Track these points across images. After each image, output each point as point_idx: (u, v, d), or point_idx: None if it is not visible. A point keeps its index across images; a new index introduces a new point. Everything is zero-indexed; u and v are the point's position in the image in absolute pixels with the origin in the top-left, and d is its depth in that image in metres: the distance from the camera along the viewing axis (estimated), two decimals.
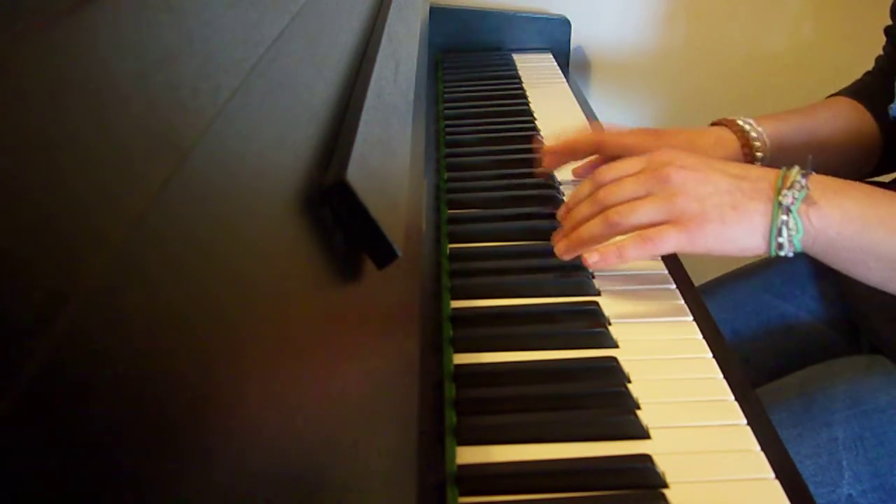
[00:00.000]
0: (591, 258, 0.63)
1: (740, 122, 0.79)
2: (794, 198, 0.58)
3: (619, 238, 0.64)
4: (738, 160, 0.79)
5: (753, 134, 0.78)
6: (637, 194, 0.63)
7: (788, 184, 0.59)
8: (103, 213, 0.19)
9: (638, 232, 0.62)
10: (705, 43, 1.45)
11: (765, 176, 0.61)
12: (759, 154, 0.78)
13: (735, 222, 0.59)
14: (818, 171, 0.64)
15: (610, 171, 0.67)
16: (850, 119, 0.85)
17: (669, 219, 0.61)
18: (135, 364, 0.18)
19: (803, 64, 1.41)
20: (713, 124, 0.82)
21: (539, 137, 0.94)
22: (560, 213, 0.71)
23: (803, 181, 0.59)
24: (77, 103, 0.19)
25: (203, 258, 0.23)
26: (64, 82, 0.19)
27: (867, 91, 0.87)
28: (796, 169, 0.60)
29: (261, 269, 0.28)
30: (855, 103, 0.86)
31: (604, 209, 0.64)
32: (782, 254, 0.59)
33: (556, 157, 0.84)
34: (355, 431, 0.32)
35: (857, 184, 0.62)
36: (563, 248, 0.66)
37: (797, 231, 0.58)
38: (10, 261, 0.15)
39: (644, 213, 0.62)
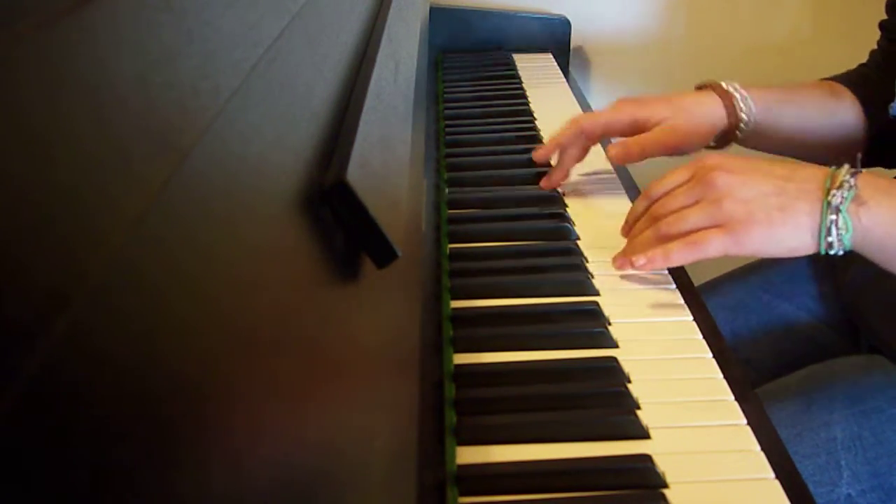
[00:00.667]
0: (639, 261, 0.64)
1: (725, 86, 0.80)
2: (843, 197, 0.59)
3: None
4: (721, 120, 0.79)
5: (738, 95, 0.79)
6: (686, 203, 0.64)
7: (837, 183, 0.59)
8: (103, 213, 0.19)
9: (685, 237, 0.63)
10: (705, 43, 1.45)
11: (812, 176, 0.61)
12: (743, 115, 0.79)
13: (781, 224, 0.60)
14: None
15: (660, 184, 0.68)
16: (839, 104, 0.85)
17: (716, 223, 0.62)
18: (134, 364, 0.18)
19: (802, 63, 1.41)
20: (698, 88, 0.83)
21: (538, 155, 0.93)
22: (622, 230, 0.72)
23: (852, 181, 0.59)
24: (76, 103, 0.19)
25: (203, 258, 0.23)
26: (63, 82, 0.19)
27: (861, 81, 0.87)
28: (845, 168, 0.61)
29: (261, 269, 0.28)
30: (846, 89, 0.86)
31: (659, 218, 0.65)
32: (832, 252, 0.60)
33: (558, 179, 0.84)
34: (355, 431, 0.32)
35: None
36: (619, 264, 0.68)
37: (847, 230, 0.59)
38: (10, 261, 0.15)
39: (691, 220, 0.63)
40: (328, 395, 0.30)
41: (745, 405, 0.54)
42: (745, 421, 0.53)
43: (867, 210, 0.59)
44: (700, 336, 0.62)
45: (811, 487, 0.49)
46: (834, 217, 0.59)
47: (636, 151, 0.79)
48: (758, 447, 0.51)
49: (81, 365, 0.16)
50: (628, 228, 0.71)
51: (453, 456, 0.50)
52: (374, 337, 0.39)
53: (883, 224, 0.59)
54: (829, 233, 0.59)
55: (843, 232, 0.59)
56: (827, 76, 0.91)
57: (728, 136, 0.81)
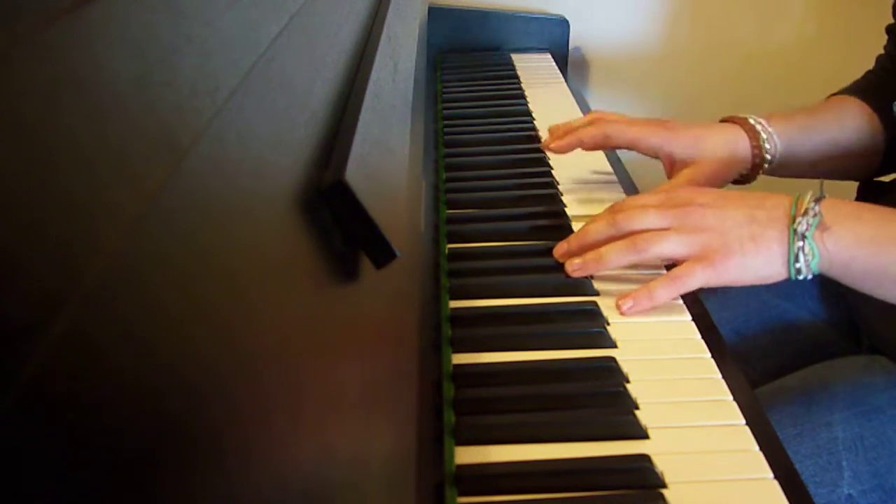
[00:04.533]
0: (625, 305, 0.64)
1: (752, 122, 0.79)
2: (808, 224, 0.60)
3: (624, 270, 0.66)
4: (746, 159, 0.79)
5: (764, 135, 0.78)
6: (659, 226, 0.64)
7: (802, 210, 0.61)
8: (100, 213, 0.19)
9: (665, 273, 0.64)
10: (705, 43, 1.45)
11: (779, 203, 0.63)
12: (767, 155, 0.78)
13: (755, 254, 0.61)
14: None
15: (631, 200, 0.69)
16: (856, 118, 0.85)
17: (692, 253, 0.62)
18: (132, 366, 0.18)
19: (806, 64, 1.41)
20: (723, 121, 0.82)
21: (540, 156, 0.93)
22: (569, 239, 0.70)
23: (816, 207, 0.60)
24: (75, 103, 0.19)
25: (201, 259, 0.23)
26: (61, 82, 0.19)
27: (871, 89, 0.87)
28: (809, 194, 0.62)
29: (259, 270, 0.28)
30: (859, 102, 0.86)
31: (624, 234, 0.65)
32: (800, 278, 0.61)
33: (562, 146, 0.84)
34: (354, 431, 0.32)
35: (869, 206, 0.63)
36: (576, 266, 0.67)
37: (813, 256, 0.60)
38: (7, 262, 0.15)
39: (669, 243, 0.63)
40: (326, 395, 0.30)
41: (743, 405, 0.54)
42: (743, 421, 0.53)
43: (831, 235, 0.60)
44: (699, 336, 0.62)
45: (812, 488, 0.49)
46: (801, 244, 0.60)
47: None
48: (756, 447, 0.51)
49: (79, 367, 0.16)
50: (581, 240, 0.69)
51: (452, 456, 0.50)
52: (373, 337, 0.39)
53: (847, 248, 0.60)
54: (797, 259, 0.60)
55: (810, 258, 0.60)
56: (830, 81, 0.91)
57: (751, 174, 0.81)
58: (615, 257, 0.65)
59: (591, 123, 0.83)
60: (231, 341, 0.24)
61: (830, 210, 0.61)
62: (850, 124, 0.84)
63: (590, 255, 0.67)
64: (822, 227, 0.60)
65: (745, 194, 0.65)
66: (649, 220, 0.65)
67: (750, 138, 0.79)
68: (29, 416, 0.15)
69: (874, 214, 0.62)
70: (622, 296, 0.65)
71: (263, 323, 0.26)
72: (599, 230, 0.67)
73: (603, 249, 0.66)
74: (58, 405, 0.15)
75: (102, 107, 0.20)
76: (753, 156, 0.79)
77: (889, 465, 0.65)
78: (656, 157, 0.80)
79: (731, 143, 0.79)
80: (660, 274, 0.66)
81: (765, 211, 0.62)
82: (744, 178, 0.82)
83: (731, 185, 0.79)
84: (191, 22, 0.27)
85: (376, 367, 0.38)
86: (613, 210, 0.68)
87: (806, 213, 0.60)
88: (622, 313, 0.64)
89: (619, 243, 0.65)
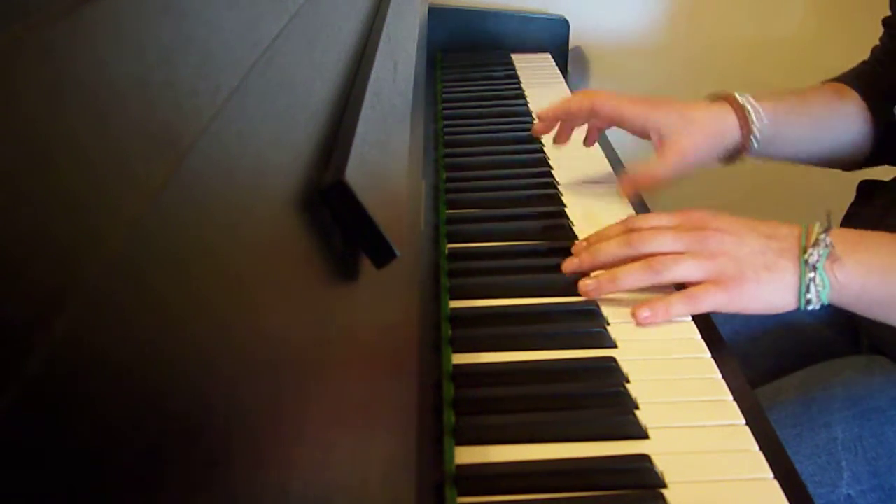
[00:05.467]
0: (642, 314, 0.63)
1: (740, 99, 0.79)
2: (819, 255, 0.60)
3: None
4: (734, 135, 0.79)
5: (751, 109, 0.78)
6: (674, 249, 0.64)
7: (812, 241, 0.61)
8: (101, 213, 0.19)
9: (683, 291, 0.63)
10: (705, 42, 1.45)
11: (790, 234, 0.63)
12: (755, 129, 0.78)
13: (768, 282, 0.61)
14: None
15: (645, 220, 0.68)
16: (846, 105, 0.85)
17: (709, 278, 0.62)
18: (132, 365, 0.18)
19: (805, 60, 1.40)
20: (710, 99, 0.82)
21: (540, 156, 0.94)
22: (577, 246, 0.70)
23: (827, 239, 0.61)
24: (75, 104, 0.19)
25: (202, 258, 0.23)
26: (62, 82, 0.19)
27: (863, 80, 0.87)
28: (818, 225, 0.62)
29: (259, 269, 0.28)
30: (851, 91, 0.86)
31: (639, 255, 0.65)
32: (810, 308, 0.61)
33: (549, 123, 0.84)
34: (354, 431, 0.32)
35: (878, 234, 0.63)
36: (593, 286, 0.66)
37: (824, 287, 0.60)
38: (8, 262, 0.15)
39: (687, 268, 0.63)
40: (326, 394, 0.30)
41: (743, 405, 0.54)
42: (743, 421, 0.53)
43: (841, 266, 0.60)
44: (699, 336, 0.62)
45: (811, 488, 0.49)
46: (812, 275, 0.60)
47: (647, 185, 0.81)
48: (756, 447, 0.51)
49: (80, 366, 0.16)
50: (587, 245, 0.69)
51: (452, 456, 0.50)
52: (373, 337, 0.39)
53: (859, 279, 0.60)
54: (808, 290, 0.60)
55: (820, 289, 0.60)
56: (830, 76, 0.91)
57: (739, 151, 0.81)
58: (632, 280, 0.64)
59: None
60: (231, 340, 0.24)
61: (840, 240, 0.61)
62: (841, 111, 0.84)
63: (604, 277, 0.66)
64: (832, 257, 0.60)
65: (758, 222, 0.65)
66: (666, 242, 0.64)
67: (738, 115, 0.79)
68: (30, 414, 0.15)
69: (883, 242, 0.62)
70: (639, 305, 0.64)
71: (264, 322, 0.26)
72: (613, 250, 0.66)
73: (618, 271, 0.65)
74: (59, 403, 0.15)
75: (103, 107, 0.20)
76: (741, 130, 0.79)
77: (888, 465, 0.65)
78: (645, 134, 0.80)
79: (719, 118, 0.79)
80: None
81: (777, 241, 0.62)
82: (731, 157, 0.82)
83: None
84: (191, 22, 0.27)
85: (376, 367, 0.38)
86: (627, 228, 0.67)
87: (817, 243, 0.61)
88: (638, 323, 0.63)
89: (636, 265, 0.64)
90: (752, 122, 0.78)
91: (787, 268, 0.61)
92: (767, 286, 0.61)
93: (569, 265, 0.69)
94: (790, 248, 0.62)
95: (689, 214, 0.66)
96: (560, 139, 0.87)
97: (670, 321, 0.63)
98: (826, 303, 0.61)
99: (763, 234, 0.63)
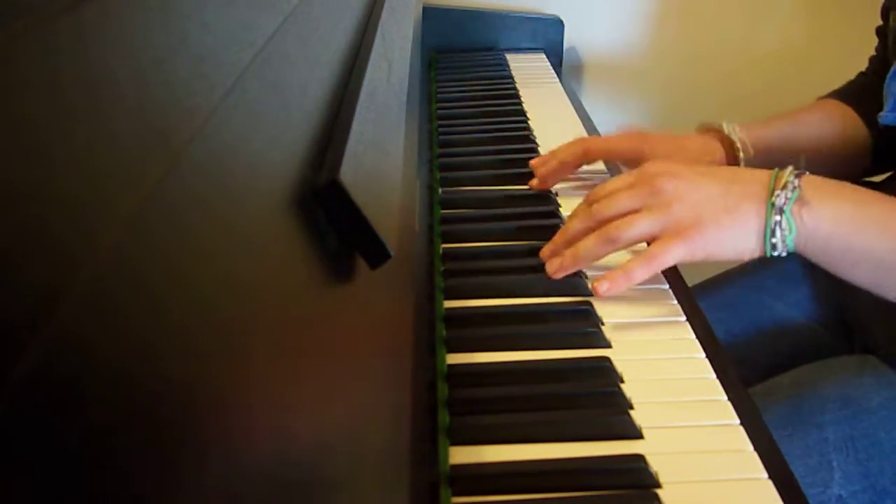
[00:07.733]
0: (602, 287, 0.62)
1: (725, 130, 0.80)
2: (786, 198, 0.59)
3: (613, 257, 0.64)
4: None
5: (737, 143, 0.79)
6: (631, 208, 0.63)
7: (781, 184, 0.59)
8: (96, 211, 0.19)
9: (641, 252, 0.62)
10: (698, 44, 1.45)
11: (755, 178, 0.61)
12: (742, 165, 0.79)
13: (730, 226, 0.60)
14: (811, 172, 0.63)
15: (602, 188, 0.67)
16: (838, 123, 0.85)
17: (666, 229, 0.61)
18: (127, 363, 0.18)
19: (797, 65, 1.41)
20: (699, 131, 0.83)
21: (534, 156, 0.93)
22: (554, 239, 0.70)
23: (796, 181, 0.59)
24: (71, 102, 0.19)
25: (196, 257, 0.23)
26: (58, 81, 0.19)
27: (857, 93, 0.87)
28: (789, 169, 0.61)
29: (254, 269, 0.28)
30: (844, 106, 0.86)
31: (598, 224, 0.64)
32: (776, 254, 0.60)
33: (550, 177, 0.84)
34: (347, 431, 0.32)
35: (851, 185, 0.62)
36: (556, 266, 0.65)
37: (790, 231, 0.59)
38: (4, 259, 0.15)
39: (641, 225, 0.62)
40: (320, 394, 0.30)
41: (738, 405, 0.54)
42: (738, 421, 0.53)
43: (810, 210, 0.59)
44: (693, 336, 0.62)
45: (802, 488, 0.49)
46: (778, 218, 0.59)
47: None
48: (751, 447, 0.51)
49: (75, 363, 0.16)
50: (563, 237, 0.68)
51: (446, 456, 0.50)
52: (367, 337, 0.39)
53: (826, 225, 0.59)
54: (773, 234, 0.59)
55: (786, 233, 0.59)
56: (822, 82, 0.91)
57: None
58: (590, 251, 0.63)
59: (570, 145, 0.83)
60: (226, 339, 0.24)
61: (810, 185, 0.59)
62: (831, 130, 0.85)
63: (567, 253, 0.65)
64: (800, 201, 0.59)
65: (717, 168, 0.64)
66: (622, 203, 0.63)
67: (724, 146, 0.80)
68: (25, 412, 0.15)
69: (856, 193, 0.61)
70: (598, 278, 0.63)
71: (258, 321, 0.26)
72: (578, 225, 0.66)
73: (578, 246, 0.64)
74: (54, 402, 0.15)
75: (98, 106, 0.20)
76: (728, 162, 0.80)
77: (879, 465, 0.65)
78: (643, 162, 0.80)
79: (707, 149, 0.80)
80: (656, 275, 0.66)
81: (739, 185, 0.61)
82: None
83: None
84: (186, 22, 0.27)
85: (370, 366, 0.38)
86: (588, 200, 0.67)
87: (785, 186, 0.59)
88: (599, 295, 0.62)
89: (591, 237, 0.63)
90: (738, 154, 0.79)
91: (749, 209, 0.59)
92: (729, 230, 0.60)
93: (545, 251, 0.68)
94: (755, 192, 0.60)
95: (645, 168, 0.65)
96: (545, 185, 0.84)
97: (664, 316, 0.63)
98: (792, 249, 0.59)
99: (723, 178, 0.62)
